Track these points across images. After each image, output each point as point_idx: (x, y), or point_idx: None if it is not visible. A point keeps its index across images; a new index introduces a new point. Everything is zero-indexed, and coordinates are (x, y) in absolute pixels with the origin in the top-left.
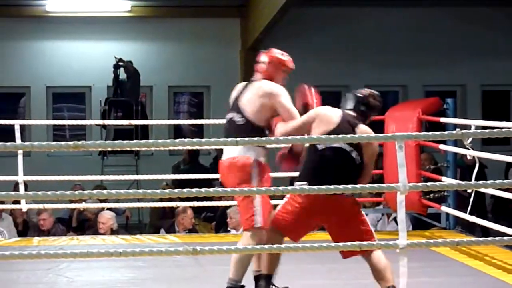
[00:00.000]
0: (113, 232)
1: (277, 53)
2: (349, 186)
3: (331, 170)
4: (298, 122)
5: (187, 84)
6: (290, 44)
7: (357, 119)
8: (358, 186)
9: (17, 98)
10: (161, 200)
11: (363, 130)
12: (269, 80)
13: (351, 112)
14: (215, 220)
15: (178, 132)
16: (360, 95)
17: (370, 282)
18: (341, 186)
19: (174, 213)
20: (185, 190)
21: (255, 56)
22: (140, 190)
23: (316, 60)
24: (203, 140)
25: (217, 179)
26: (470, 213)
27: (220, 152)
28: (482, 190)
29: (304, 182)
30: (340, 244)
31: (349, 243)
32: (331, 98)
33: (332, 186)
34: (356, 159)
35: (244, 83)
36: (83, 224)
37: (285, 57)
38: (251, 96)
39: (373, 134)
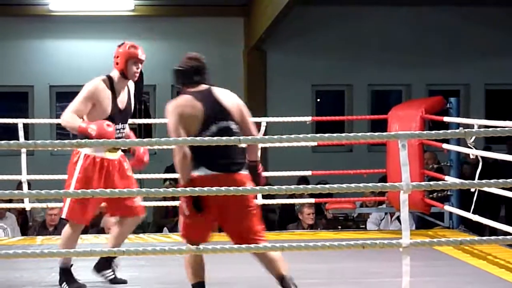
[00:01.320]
0: None
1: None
2: (352, 185)
3: (226, 150)
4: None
5: None
6: (293, 43)
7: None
8: (361, 185)
9: (20, 97)
10: (164, 199)
11: None
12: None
13: (188, 89)
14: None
15: None
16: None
17: (372, 281)
18: (344, 185)
19: (178, 212)
20: (188, 189)
21: (258, 55)
22: (143, 189)
23: (319, 59)
24: (206, 138)
25: None
26: (477, 213)
27: None
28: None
29: (202, 167)
30: (344, 243)
31: (352, 242)
32: (334, 97)
33: (327, 186)
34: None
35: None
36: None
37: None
38: (234, 103)
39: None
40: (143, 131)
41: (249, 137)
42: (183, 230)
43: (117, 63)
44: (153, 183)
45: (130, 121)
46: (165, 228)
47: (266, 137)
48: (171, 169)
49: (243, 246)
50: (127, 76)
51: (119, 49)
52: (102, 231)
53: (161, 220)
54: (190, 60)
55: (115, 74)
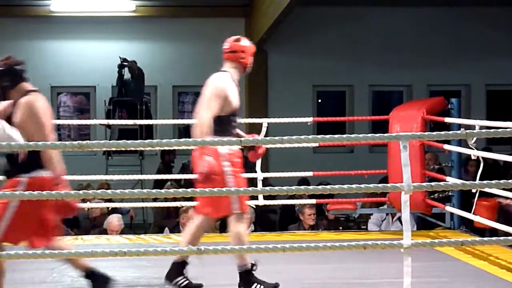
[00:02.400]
0: (118, 232)
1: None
2: (354, 186)
3: None
4: None
5: (192, 84)
6: (294, 44)
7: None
8: (362, 186)
9: None
10: (166, 200)
11: None
12: None
13: None
14: (220, 219)
15: (182, 132)
16: None
17: (373, 282)
18: (345, 186)
19: (179, 213)
20: (189, 190)
21: (259, 55)
22: (145, 190)
23: (320, 60)
24: (207, 139)
25: None
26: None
27: None
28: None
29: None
30: (345, 244)
31: (353, 243)
32: (335, 98)
33: (328, 187)
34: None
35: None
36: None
37: None
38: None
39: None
40: (144, 132)
41: (251, 138)
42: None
43: (242, 58)
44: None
45: (131, 121)
46: (166, 229)
47: (267, 138)
48: (172, 170)
49: (244, 247)
50: (247, 70)
51: (241, 44)
52: (104, 232)
53: (163, 221)
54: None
55: (232, 68)
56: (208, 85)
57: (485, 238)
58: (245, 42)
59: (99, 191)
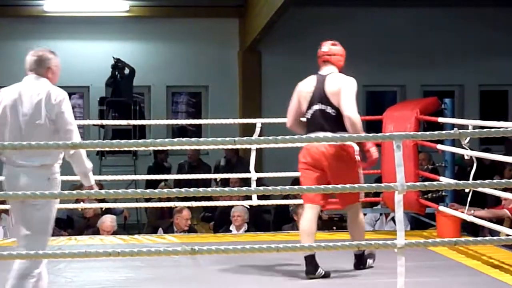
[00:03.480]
0: (111, 232)
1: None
2: (347, 185)
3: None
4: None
5: (185, 84)
6: (288, 44)
7: None
8: (356, 185)
9: None
10: (160, 200)
11: None
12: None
13: None
14: (214, 219)
15: (176, 132)
16: None
17: (367, 282)
18: (339, 186)
19: (172, 213)
20: (183, 190)
21: (253, 56)
22: (139, 190)
23: (314, 60)
24: (201, 139)
25: (216, 179)
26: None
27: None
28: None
29: None
30: (339, 244)
31: (347, 243)
32: None
33: (321, 187)
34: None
35: (311, 78)
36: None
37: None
38: (334, 89)
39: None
40: (138, 132)
41: (244, 139)
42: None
43: (340, 61)
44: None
45: (125, 122)
46: (160, 229)
47: (262, 138)
48: (166, 170)
49: (238, 247)
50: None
51: (338, 48)
52: (98, 232)
53: (156, 221)
54: None
55: (334, 71)
56: (344, 85)
57: (478, 238)
58: (340, 47)
59: (92, 191)
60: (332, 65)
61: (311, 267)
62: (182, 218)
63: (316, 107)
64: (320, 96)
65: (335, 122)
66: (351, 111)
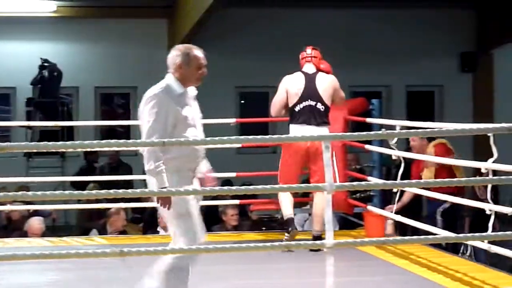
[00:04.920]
0: (39, 234)
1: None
2: (277, 186)
3: None
4: None
5: (114, 85)
6: (218, 45)
7: None
8: (285, 186)
9: None
10: (88, 201)
11: None
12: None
13: None
14: (143, 221)
15: (105, 133)
16: None
17: (296, 282)
18: (268, 187)
19: (104, 215)
20: (111, 191)
21: None
22: (67, 192)
23: (243, 61)
24: (129, 141)
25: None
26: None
27: None
28: (407, 189)
29: None
30: (268, 244)
31: (276, 243)
32: (258, 99)
33: (251, 187)
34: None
35: (298, 75)
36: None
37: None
38: (325, 86)
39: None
40: (66, 133)
41: (174, 140)
42: None
43: (318, 62)
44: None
45: (53, 123)
46: (94, 230)
47: (191, 139)
48: (94, 172)
49: (168, 248)
50: None
51: (317, 51)
52: (25, 234)
53: (86, 223)
54: None
55: (315, 70)
56: (336, 84)
57: (406, 237)
58: (318, 51)
59: (19, 193)
60: (313, 65)
61: (293, 227)
62: (119, 218)
63: (306, 102)
64: (311, 93)
65: (322, 116)
66: (341, 100)
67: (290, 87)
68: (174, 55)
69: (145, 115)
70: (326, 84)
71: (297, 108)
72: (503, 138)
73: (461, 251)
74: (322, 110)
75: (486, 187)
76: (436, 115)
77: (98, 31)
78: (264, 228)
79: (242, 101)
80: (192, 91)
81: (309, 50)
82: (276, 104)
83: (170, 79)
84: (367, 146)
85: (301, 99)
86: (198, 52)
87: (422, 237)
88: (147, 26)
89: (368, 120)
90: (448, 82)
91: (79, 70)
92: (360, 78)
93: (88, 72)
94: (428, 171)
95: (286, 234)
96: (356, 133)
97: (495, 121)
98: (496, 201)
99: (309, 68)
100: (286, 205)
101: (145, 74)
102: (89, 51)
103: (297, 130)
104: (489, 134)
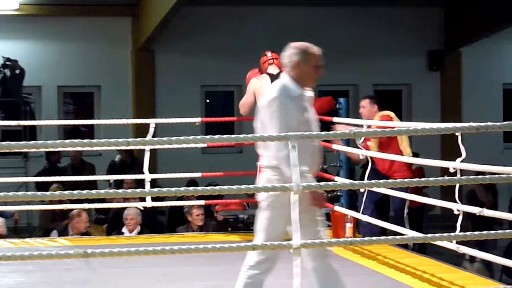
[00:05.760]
0: (1, 236)
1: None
2: (243, 186)
3: None
4: None
5: (77, 84)
6: (183, 44)
7: None
8: (251, 186)
9: None
10: (51, 202)
11: None
12: None
13: None
14: (107, 222)
15: (68, 133)
16: None
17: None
18: (234, 187)
19: (67, 216)
20: (75, 192)
21: (146, 55)
22: (29, 192)
23: (209, 59)
24: (93, 140)
25: (108, 180)
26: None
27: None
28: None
29: None
30: (234, 245)
31: (242, 244)
32: (224, 98)
33: (217, 187)
34: None
35: (264, 77)
36: None
37: None
38: None
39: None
40: (28, 133)
41: (138, 139)
42: None
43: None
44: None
45: (15, 122)
46: (54, 231)
47: (155, 138)
48: (57, 172)
49: (132, 249)
50: None
51: (277, 54)
52: None
53: (49, 224)
54: None
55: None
56: None
57: (374, 238)
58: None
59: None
60: (276, 67)
61: None
62: (82, 221)
63: None
64: None
65: None
66: None
67: (258, 89)
68: (291, 53)
69: (270, 121)
70: None
71: None
72: (471, 137)
73: None
74: None
75: (486, 189)
76: (404, 114)
77: (61, 29)
78: (230, 229)
79: (208, 100)
80: (309, 93)
81: (269, 54)
82: (245, 105)
83: (286, 79)
84: (334, 146)
85: None
86: (316, 50)
87: (389, 237)
88: (111, 24)
89: (335, 119)
90: (416, 80)
91: (42, 69)
92: (327, 77)
93: (51, 71)
94: (372, 142)
95: None
96: (323, 132)
97: (463, 120)
98: (495, 203)
99: (273, 69)
100: None
101: (109, 73)
102: (52, 49)
103: None
104: (457, 134)
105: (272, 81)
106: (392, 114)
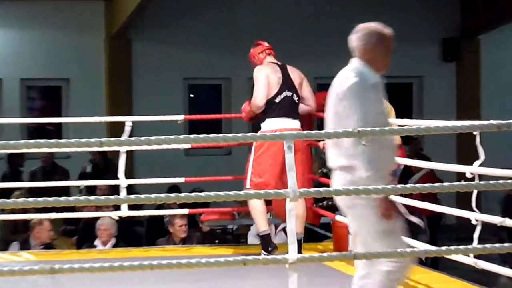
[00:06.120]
0: None
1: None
2: (232, 193)
3: None
4: None
5: (42, 76)
6: (162, 31)
7: None
8: (241, 193)
9: None
10: (13, 211)
11: None
12: None
13: None
14: (77, 233)
15: (32, 132)
16: None
17: None
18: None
19: (28, 226)
20: (41, 199)
21: (122, 44)
22: None
23: (192, 49)
24: (62, 141)
25: (79, 187)
26: None
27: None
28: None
29: None
30: (222, 259)
31: (231, 259)
32: (210, 92)
33: (202, 194)
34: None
35: (272, 64)
36: None
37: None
38: (296, 77)
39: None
40: None
41: (112, 139)
42: None
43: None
44: None
45: None
46: (14, 243)
47: (132, 138)
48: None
49: (106, 265)
50: None
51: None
52: None
53: (10, 236)
54: None
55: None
56: (303, 76)
57: (381, 251)
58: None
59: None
60: (274, 58)
61: (273, 244)
62: (43, 230)
63: (285, 93)
64: (289, 83)
65: (297, 109)
66: (314, 104)
67: (270, 74)
68: (363, 35)
69: (347, 112)
70: (297, 74)
71: (277, 99)
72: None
73: None
74: (297, 102)
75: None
76: (414, 110)
77: (25, 16)
78: (217, 241)
79: (191, 95)
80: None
81: (266, 43)
82: (261, 93)
83: (360, 65)
84: None
85: (281, 89)
86: (389, 32)
87: (398, 250)
88: (82, 10)
89: None
90: (429, 72)
91: (2, 60)
92: (328, 69)
93: (12, 62)
94: None
95: (264, 253)
96: (323, 131)
97: (482, 117)
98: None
99: (273, 59)
100: (261, 217)
101: (79, 64)
102: (15, 38)
103: (278, 124)
104: (475, 133)
105: (281, 71)
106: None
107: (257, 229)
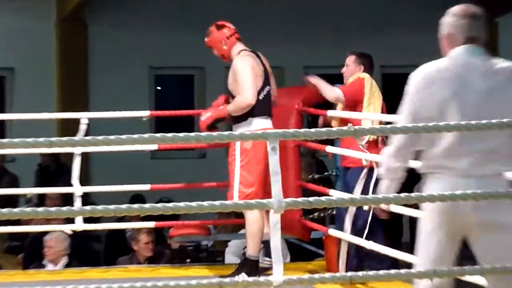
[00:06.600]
0: None
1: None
2: (205, 203)
3: None
4: None
5: None
6: (124, 14)
7: None
8: (217, 203)
9: None
10: None
11: None
12: None
13: None
14: (24, 251)
15: None
16: None
17: None
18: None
19: None
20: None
21: (76, 27)
22: None
23: (159, 35)
24: (5, 140)
25: (25, 195)
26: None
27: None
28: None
29: None
30: (193, 282)
31: (205, 281)
32: (181, 84)
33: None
34: None
35: (253, 54)
36: None
37: None
38: (269, 68)
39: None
40: None
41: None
42: None
43: None
44: None
45: None
46: None
47: (88, 138)
48: None
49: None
50: None
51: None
52: None
53: None
54: None
55: None
56: (267, 63)
57: (381, 272)
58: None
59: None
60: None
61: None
62: None
63: (267, 88)
64: (267, 76)
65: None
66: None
67: (255, 66)
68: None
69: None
70: (268, 64)
71: (261, 96)
72: None
73: None
74: (272, 98)
75: None
76: None
77: None
78: (188, 260)
79: (159, 87)
80: None
81: (231, 25)
82: (253, 89)
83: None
84: (328, 148)
85: (264, 83)
86: None
87: (402, 271)
88: None
89: (329, 112)
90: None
91: None
92: (319, 57)
93: None
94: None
95: (244, 275)
96: (313, 130)
97: None
98: None
99: (244, 45)
100: (259, 237)
101: (26, 51)
102: None
103: (264, 124)
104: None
105: (260, 61)
106: (367, 77)
107: (247, 250)
